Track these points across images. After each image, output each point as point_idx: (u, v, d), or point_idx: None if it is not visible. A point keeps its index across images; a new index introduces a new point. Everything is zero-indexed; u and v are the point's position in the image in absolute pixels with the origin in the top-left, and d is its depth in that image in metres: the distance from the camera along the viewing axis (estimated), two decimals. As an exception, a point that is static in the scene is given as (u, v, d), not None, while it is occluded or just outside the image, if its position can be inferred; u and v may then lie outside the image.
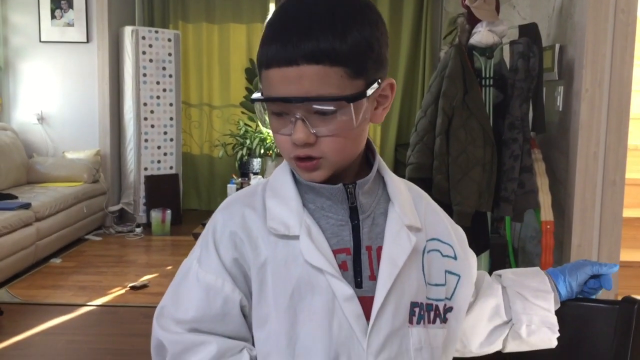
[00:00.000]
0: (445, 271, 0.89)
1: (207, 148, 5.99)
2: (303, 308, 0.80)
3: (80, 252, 4.51)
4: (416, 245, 0.85)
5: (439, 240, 0.90)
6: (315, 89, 0.76)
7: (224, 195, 5.33)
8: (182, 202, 5.52)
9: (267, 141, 5.35)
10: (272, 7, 5.78)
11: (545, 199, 2.56)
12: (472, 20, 2.67)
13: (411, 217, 0.87)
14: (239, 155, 5.44)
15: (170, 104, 5.32)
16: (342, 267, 0.82)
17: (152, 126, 5.23)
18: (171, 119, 5.34)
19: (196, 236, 3.61)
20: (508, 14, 3.48)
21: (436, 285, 0.87)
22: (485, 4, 2.63)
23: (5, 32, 5.12)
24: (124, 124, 5.25)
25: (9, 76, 5.16)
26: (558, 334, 0.98)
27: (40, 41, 5.12)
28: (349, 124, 0.79)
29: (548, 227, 2.54)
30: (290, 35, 0.76)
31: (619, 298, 1.05)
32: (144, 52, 5.11)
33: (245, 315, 0.84)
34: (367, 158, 0.90)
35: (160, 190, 5.22)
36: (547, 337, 0.98)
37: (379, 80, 0.81)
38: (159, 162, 5.29)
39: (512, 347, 1.00)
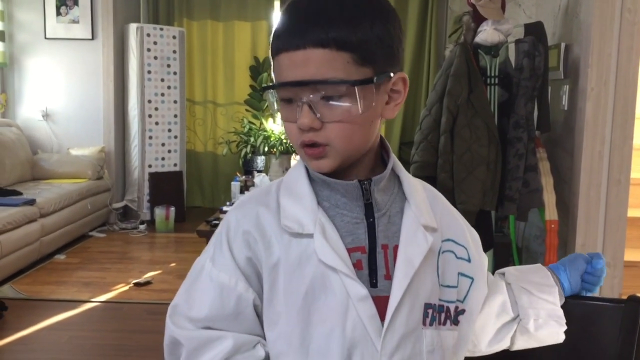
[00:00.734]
0: (459, 273, 0.88)
1: (211, 145, 6.00)
2: (317, 308, 0.80)
3: (85, 248, 4.53)
4: (432, 246, 0.84)
5: (453, 241, 0.89)
6: (322, 72, 0.77)
7: (227, 192, 5.34)
8: (185, 200, 5.53)
9: (271, 139, 5.35)
10: (277, 5, 5.78)
11: (549, 198, 2.55)
12: (478, 19, 2.67)
13: (427, 217, 0.87)
14: (243, 153, 5.44)
15: (175, 101, 5.33)
16: (356, 265, 0.82)
17: (157, 123, 5.23)
18: (175, 116, 5.35)
19: (200, 233, 3.60)
20: (514, 12, 3.47)
21: (448, 286, 0.86)
22: (490, 2, 2.63)
23: (11, 29, 5.13)
24: (129, 121, 5.26)
25: (14, 72, 5.18)
26: (565, 327, 0.98)
27: (45, 38, 5.13)
28: (354, 111, 0.78)
29: (552, 226, 2.54)
30: (299, 23, 0.78)
31: (623, 297, 1.05)
32: (148, 50, 5.12)
33: (258, 315, 0.84)
34: (381, 156, 0.90)
35: (164, 187, 5.23)
36: (555, 331, 0.97)
37: (391, 74, 0.81)
38: (163, 159, 5.30)
39: (521, 344, 1.00)
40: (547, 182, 2.57)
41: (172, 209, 5.03)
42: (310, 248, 0.81)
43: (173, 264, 4.11)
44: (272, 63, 0.83)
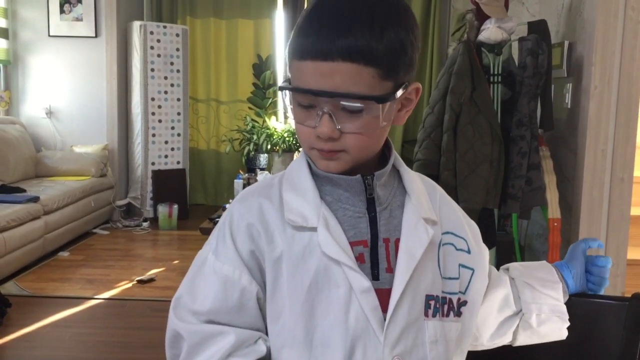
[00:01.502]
0: (459, 265, 0.89)
1: (214, 143, 6.01)
2: (320, 300, 0.81)
3: (88, 245, 4.54)
4: (433, 238, 0.86)
5: (453, 233, 0.90)
6: (347, 86, 0.76)
7: (230, 190, 5.35)
8: (188, 197, 5.54)
9: (274, 137, 5.35)
10: (280, 3, 5.78)
11: (552, 196, 2.55)
12: (481, 17, 2.66)
13: (427, 210, 0.88)
14: (245, 151, 5.45)
15: (178, 99, 5.33)
16: (359, 259, 0.83)
17: (160, 121, 5.24)
18: (178, 114, 5.35)
19: (203, 231, 3.62)
20: (517, 10, 3.47)
21: (450, 278, 0.87)
22: (494, 0, 2.62)
23: (15, 27, 5.14)
24: (132, 119, 5.27)
25: (18, 70, 5.19)
26: (568, 323, 0.98)
27: (49, 35, 5.15)
28: (374, 124, 0.79)
29: (555, 224, 2.53)
30: (329, 29, 0.76)
31: (627, 296, 1.05)
32: (152, 47, 5.13)
33: (261, 308, 0.85)
34: (382, 151, 0.90)
35: (167, 185, 5.25)
36: (558, 327, 0.98)
37: (407, 84, 0.81)
38: (166, 156, 5.31)
39: (523, 339, 1.00)
40: (550, 181, 2.57)
41: (175, 206, 5.04)
42: (313, 241, 0.82)
43: (176, 261, 4.13)
44: (288, 60, 0.81)
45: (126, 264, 4.07)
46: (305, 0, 5.66)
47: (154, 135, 5.22)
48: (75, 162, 4.94)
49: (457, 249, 0.90)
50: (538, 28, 2.60)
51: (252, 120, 5.65)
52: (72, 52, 5.18)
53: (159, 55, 5.17)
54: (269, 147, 5.31)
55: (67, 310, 3.17)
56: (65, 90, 5.21)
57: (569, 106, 2.73)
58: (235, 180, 4.44)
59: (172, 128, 5.33)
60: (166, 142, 5.30)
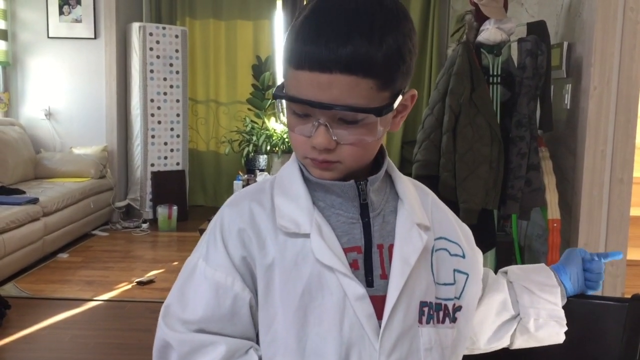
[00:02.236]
0: (454, 270, 0.88)
1: (213, 144, 6.00)
2: (314, 308, 0.79)
3: (87, 247, 4.54)
4: (426, 244, 0.85)
5: (446, 239, 0.89)
6: (344, 98, 0.74)
7: (230, 191, 5.35)
8: (188, 199, 5.54)
9: (274, 138, 5.35)
10: (279, 5, 5.78)
11: (552, 197, 2.55)
12: (480, 18, 2.66)
13: (421, 216, 0.87)
14: (245, 152, 5.45)
15: (177, 100, 5.33)
16: (353, 265, 0.81)
17: (159, 122, 5.24)
18: (178, 115, 5.35)
19: (202, 232, 3.64)
20: (516, 11, 3.47)
21: (445, 284, 0.86)
22: (493, 1, 2.62)
23: (14, 28, 5.14)
24: (131, 120, 5.27)
25: (17, 72, 5.19)
26: (566, 328, 0.98)
27: (48, 37, 5.14)
28: (370, 135, 0.79)
29: (555, 225, 2.53)
30: (327, 39, 0.73)
31: (626, 297, 1.05)
32: (151, 49, 5.12)
33: (253, 316, 0.83)
34: (375, 156, 0.89)
35: (167, 186, 5.24)
36: (555, 332, 0.98)
37: (403, 91, 0.80)
38: (165, 158, 5.31)
39: (520, 343, 1.00)
40: (549, 181, 2.57)
41: (175, 207, 5.04)
42: (306, 248, 0.80)
43: (175, 263, 4.12)
44: (284, 67, 0.79)
45: (125, 265, 4.07)
46: (305, 1, 5.66)
47: (153, 136, 5.22)
48: (74, 164, 4.94)
49: (451, 255, 0.89)
50: (537, 29, 2.60)
51: (252, 121, 5.65)
52: (71, 53, 5.17)
53: (158, 57, 5.17)
54: (268, 148, 5.31)
55: (66, 312, 3.16)
56: (64, 92, 5.21)
57: (568, 107, 2.73)
58: (234, 182, 4.45)
59: (172, 129, 5.32)
60: (165, 144, 5.30)
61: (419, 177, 0.97)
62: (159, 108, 5.23)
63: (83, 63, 5.18)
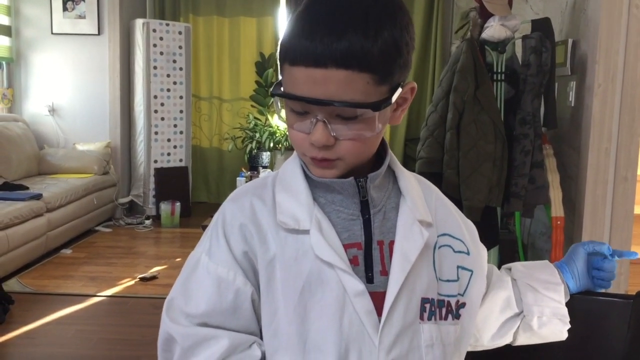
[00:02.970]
0: (458, 267, 0.88)
1: (216, 141, 6.01)
2: (314, 304, 0.79)
3: (91, 243, 4.55)
4: (428, 241, 0.84)
5: (450, 235, 0.89)
6: (341, 93, 0.74)
7: (233, 188, 5.30)
8: (191, 195, 5.54)
9: (277, 135, 5.35)
10: (282, 2, 5.77)
11: (556, 194, 2.55)
12: (485, 15, 2.66)
13: (423, 212, 0.86)
14: (248, 149, 5.45)
15: (181, 97, 5.33)
16: (353, 261, 0.81)
17: (162, 119, 5.24)
18: (181, 111, 5.35)
19: (205, 228, 3.64)
20: (520, 8, 3.46)
21: (448, 281, 0.86)
22: (497, -2, 2.61)
23: (17, 24, 5.14)
24: (135, 117, 5.27)
25: (21, 68, 5.19)
26: (569, 326, 0.98)
27: (52, 33, 5.15)
28: (369, 129, 0.78)
29: (558, 223, 2.53)
30: (322, 34, 0.72)
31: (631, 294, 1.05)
32: (154, 45, 5.12)
33: (256, 310, 0.83)
34: (377, 152, 0.88)
35: (170, 182, 5.25)
36: (558, 329, 0.98)
37: (402, 84, 0.80)
38: (168, 154, 5.31)
39: (523, 340, 1.00)
40: (553, 179, 2.56)
41: (178, 204, 5.05)
42: (306, 244, 0.80)
43: (178, 259, 4.13)
44: (280, 65, 0.79)
45: (128, 261, 4.08)
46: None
47: (156, 133, 5.22)
48: (77, 160, 4.95)
49: (455, 251, 0.88)
50: (542, 26, 2.59)
51: (255, 118, 5.65)
52: (75, 49, 5.18)
53: (161, 53, 5.17)
54: (271, 145, 5.30)
55: (69, 308, 3.17)
56: (68, 88, 5.22)
57: (572, 104, 2.73)
58: (237, 178, 4.45)
59: (175, 126, 5.33)
60: (169, 140, 5.30)
61: (422, 175, 0.96)
62: (162, 104, 5.23)
63: (87, 59, 5.18)
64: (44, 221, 3.98)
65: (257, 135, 5.40)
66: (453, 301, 0.86)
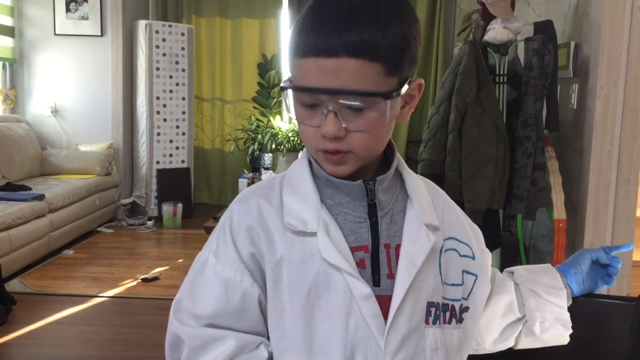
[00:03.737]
0: (463, 271, 0.88)
1: (218, 142, 6.01)
2: (320, 306, 0.79)
3: (93, 244, 4.55)
4: (434, 244, 0.84)
5: (456, 239, 0.89)
6: (352, 83, 0.74)
7: (235, 189, 5.36)
8: (193, 196, 5.55)
9: (279, 136, 5.35)
10: (285, 3, 5.78)
11: (558, 197, 2.55)
12: (487, 17, 2.66)
13: (430, 216, 0.86)
14: (250, 150, 5.45)
15: (183, 98, 5.34)
16: (359, 264, 0.81)
17: (165, 120, 5.25)
18: (183, 113, 5.36)
19: (207, 230, 3.62)
20: (523, 11, 3.46)
21: (453, 285, 0.86)
22: (500, 0, 2.62)
23: (21, 25, 5.16)
24: (137, 118, 5.28)
25: (24, 69, 5.21)
26: (571, 331, 0.98)
27: (54, 34, 5.16)
28: (380, 121, 0.78)
29: (560, 225, 2.53)
30: (332, 25, 0.74)
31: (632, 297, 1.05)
32: (157, 46, 5.14)
33: (262, 311, 0.83)
34: (385, 154, 0.88)
35: (172, 183, 5.25)
36: (560, 334, 0.98)
37: (410, 79, 0.80)
38: (170, 155, 5.32)
39: (525, 344, 1.00)
40: (555, 181, 2.56)
41: (180, 205, 5.05)
42: (313, 246, 0.80)
43: (180, 260, 4.13)
44: (290, 62, 0.79)
45: (130, 262, 4.08)
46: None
47: (158, 134, 5.23)
48: (80, 161, 4.96)
49: (460, 255, 0.88)
50: (544, 28, 2.59)
51: (257, 119, 5.66)
52: (77, 50, 5.19)
53: (164, 54, 5.18)
54: (273, 146, 5.31)
55: (71, 308, 3.18)
56: (70, 89, 5.23)
57: (574, 107, 2.73)
58: (239, 180, 4.45)
59: (177, 127, 5.34)
60: (171, 141, 5.31)
61: (424, 177, 0.96)
62: (164, 106, 5.24)
63: (89, 60, 5.19)
64: (46, 222, 3.99)
65: (259, 136, 5.40)
66: (457, 305, 0.86)
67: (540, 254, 3.03)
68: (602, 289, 1.03)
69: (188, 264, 4.03)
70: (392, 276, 0.82)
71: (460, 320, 0.86)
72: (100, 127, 5.23)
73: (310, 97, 0.78)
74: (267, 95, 5.84)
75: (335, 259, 0.79)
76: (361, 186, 0.83)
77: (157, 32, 5.12)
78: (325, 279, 0.79)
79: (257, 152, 5.46)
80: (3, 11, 4.96)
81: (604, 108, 2.46)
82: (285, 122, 5.72)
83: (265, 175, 4.02)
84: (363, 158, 0.81)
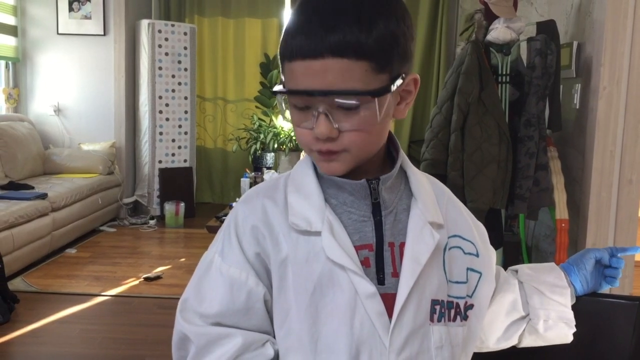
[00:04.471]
0: (467, 269, 0.88)
1: (221, 142, 6.02)
2: (325, 305, 0.80)
3: (95, 242, 4.56)
4: (438, 242, 0.84)
5: (460, 237, 0.89)
6: (340, 83, 0.74)
7: (237, 189, 5.36)
8: (195, 195, 5.55)
9: (281, 136, 5.36)
10: (287, 2, 5.78)
11: (560, 197, 2.55)
12: (490, 17, 2.66)
13: (434, 214, 0.86)
14: (252, 150, 5.46)
15: (185, 98, 5.35)
16: (364, 263, 0.81)
17: (167, 119, 5.26)
18: (186, 112, 5.37)
19: (210, 229, 3.62)
20: (526, 10, 3.46)
21: (457, 282, 0.86)
22: (503, 0, 2.62)
23: (23, 24, 5.17)
24: (139, 117, 5.29)
25: (27, 68, 5.22)
26: (574, 329, 0.98)
27: (57, 33, 5.17)
28: (372, 119, 0.77)
29: (563, 225, 2.53)
30: (316, 27, 0.74)
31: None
32: (160, 46, 5.14)
33: (268, 310, 0.84)
34: (389, 153, 0.89)
35: (174, 183, 5.26)
36: (564, 333, 0.98)
37: (404, 75, 0.79)
38: (173, 155, 5.33)
39: (528, 342, 1.00)
40: (557, 181, 2.56)
41: (182, 204, 5.06)
42: (318, 246, 0.81)
43: (183, 259, 4.14)
44: (281, 65, 0.80)
45: (133, 261, 4.09)
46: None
47: (161, 133, 5.24)
48: (82, 160, 4.97)
49: (465, 253, 0.88)
50: (547, 28, 2.59)
51: (259, 119, 5.66)
52: (80, 50, 5.20)
53: (166, 54, 5.19)
54: (275, 146, 5.31)
55: (74, 307, 3.18)
56: (73, 88, 5.24)
57: (577, 107, 2.72)
58: (241, 179, 4.45)
59: (180, 126, 5.34)
60: (173, 140, 5.32)
61: (427, 175, 0.96)
62: (167, 105, 5.24)
63: (92, 60, 5.20)
64: (49, 221, 4.00)
65: (262, 136, 5.41)
66: (462, 303, 0.86)
67: (543, 254, 3.03)
68: (606, 289, 1.04)
69: (190, 263, 4.04)
70: (396, 274, 0.82)
71: (465, 318, 0.86)
72: (102, 126, 5.24)
73: (302, 100, 0.78)
74: (269, 94, 5.84)
75: (339, 257, 0.79)
76: (364, 185, 0.83)
77: (159, 31, 5.13)
78: (330, 277, 0.80)
79: (260, 152, 5.47)
80: (6, 10, 4.97)
81: (606, 108, 2.46)
82: (287, 122, 5.73)
83: (268, 174, 4.02)
84: (359, 157, 0.81)
